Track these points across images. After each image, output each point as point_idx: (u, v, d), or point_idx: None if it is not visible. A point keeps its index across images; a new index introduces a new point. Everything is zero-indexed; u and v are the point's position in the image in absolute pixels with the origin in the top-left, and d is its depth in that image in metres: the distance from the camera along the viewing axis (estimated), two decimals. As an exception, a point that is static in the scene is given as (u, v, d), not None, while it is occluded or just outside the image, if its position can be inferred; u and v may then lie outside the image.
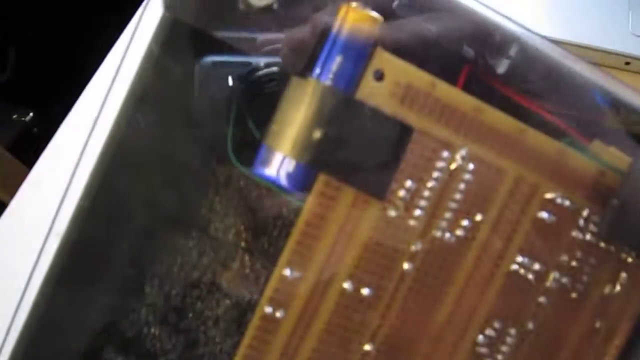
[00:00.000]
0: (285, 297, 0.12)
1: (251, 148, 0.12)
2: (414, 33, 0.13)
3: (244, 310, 0.14)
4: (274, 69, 0.13)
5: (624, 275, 0.13)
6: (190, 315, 0.14)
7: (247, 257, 0.14)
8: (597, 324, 0.13)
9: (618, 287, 0.13)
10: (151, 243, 0.14)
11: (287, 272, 0.12)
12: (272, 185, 0.12)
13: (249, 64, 0.12)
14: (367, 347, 0.13)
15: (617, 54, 0.33)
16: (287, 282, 0.12)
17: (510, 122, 0.12)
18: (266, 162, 0.12)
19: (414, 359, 0.13)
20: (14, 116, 0.45)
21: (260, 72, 0.12)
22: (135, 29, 0.11)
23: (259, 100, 0.13)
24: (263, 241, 0.14)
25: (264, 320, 0.12)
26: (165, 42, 0.11)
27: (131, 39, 0.11)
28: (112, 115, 0.12)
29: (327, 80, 0.12)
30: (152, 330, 0.14)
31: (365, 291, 0.12)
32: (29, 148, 0.23)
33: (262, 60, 0.13)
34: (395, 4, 0.13)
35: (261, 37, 0.12)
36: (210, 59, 0.12)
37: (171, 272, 0.14)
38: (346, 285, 0.12)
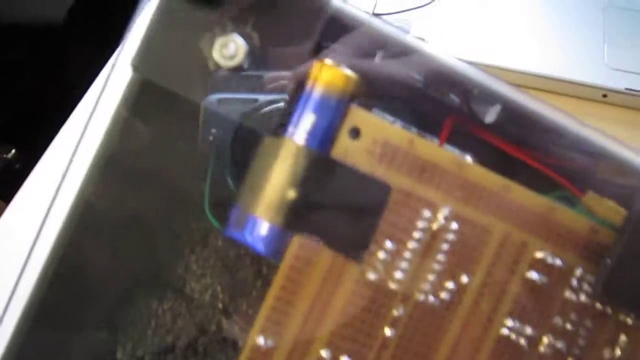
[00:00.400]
0: (259, 367, 0.11)
1: (229, 204, 0.12)
2: (395, 75, 0.12)
3: None
4: (281, 104, 0.12)
5: (623, 338, 0.12)
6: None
7: (224, 320, 0.13)
8: (598, 391, 0.13)
9: (618, 351, 0.13)
10: (124, 305, 0.13)
11: (260, 340, 0.11)
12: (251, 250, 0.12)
13: (256, 100, 0.12)
14: (349, 419, 0.12)
15: (594, 87, 0.33)
16: (260, 352, 0.11)
17: (494, 178, 0.12)
18: (239, 224, 0.12)
19: None
20: None
21: (267, 109, 0.12)
22: (103, 88, 0.11)
23: (241, 154, 0.13)
24: (241, 302, 0.13)
25: (238, 394, 0.11)
26: (133, 104, 0.11)
27: (98, 98, 0.11)
28: (79, 176, 0.11)
29: (301, 140, 0.11)
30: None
31: (344, 359, 0.12)
32: (12, 184, 0.23)
33: (268, 97, 0.12)
34: (377, 58, 0.13)
35: (267, 74, 0.12)
36: (216, 96, 0.12)
37: (144, 335, 0.13)
38: (324, 353, 0.11)
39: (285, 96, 0.12)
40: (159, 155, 0.12)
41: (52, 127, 0.23)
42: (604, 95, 0.33)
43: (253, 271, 0.13)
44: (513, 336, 0.12)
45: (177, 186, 0.13)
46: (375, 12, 0.38)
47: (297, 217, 0.11)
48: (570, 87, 0.33)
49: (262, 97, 0.12)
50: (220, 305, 0.13)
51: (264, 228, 0.11)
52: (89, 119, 0.11)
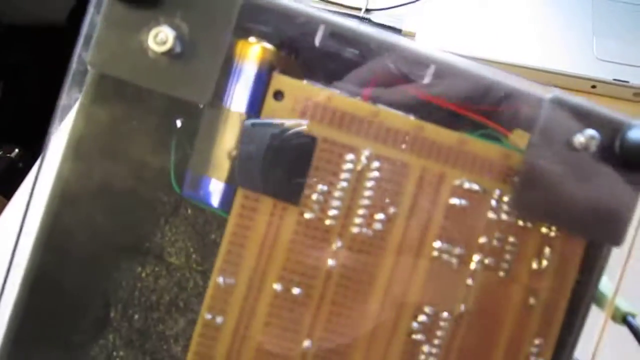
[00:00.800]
0: (222, 303, 0.13)
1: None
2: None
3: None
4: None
5: (547, 249, 0.14)
6: (153, 335, 0.15)
7: (199, 277, 0.15)
8: (531, 301, 0.14)
9: (545, 262, 0.14)
10: (112, 273, 0.15)
11: (220, 279, 0.13)
12: (205, 205, 0.14)
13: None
14: (306, 343, 0.13)
15: (583, 78, 0.34)
16: (221, 289, 0.13)
17: (406, 121, 0.14)
18: (193, 185, 0.14)
19: (352, 351, 0.13)
20: (0, 152, 0.45)
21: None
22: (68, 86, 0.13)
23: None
24: (212, 261, 0.15)
25: (205, 327, 0.13)
26: (95, 97, 0.13)
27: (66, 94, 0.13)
28: (58, 155, 0.14)
29: (235, 107, 0.13)
30: (120, 353, 0.15)
31: (295, 291, 0.13)
32: (15, 183, 0.25)
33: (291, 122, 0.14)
34: (317, 40, 0.14)
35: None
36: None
37: (132, 296, 0.15)
38: (276, 286, 0.13)
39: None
40: (125, 136, 0.14)
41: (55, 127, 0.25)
42: (593, 87, 0.34)
43: (220, 234, 0.15)
44: (444, 257, 0.14)
45: (147, 164, 0.15)
46: (368, 7, 0.40)
47: (239, 172, 0.13)
48: (559, 79, 0.34)
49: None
50: (194, 265, 0.15)
51: (213, 185, 0.13)
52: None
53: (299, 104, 0.13)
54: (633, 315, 0.14)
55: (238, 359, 0.13)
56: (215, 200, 0.13)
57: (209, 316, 0.13)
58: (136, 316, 0.15)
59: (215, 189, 0.13)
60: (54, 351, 0.15)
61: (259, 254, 0.13)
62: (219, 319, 0.13)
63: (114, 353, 0.15)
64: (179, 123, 0.14)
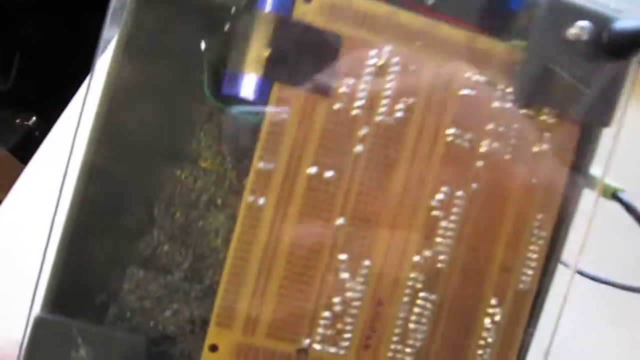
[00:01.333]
0: (263, 186, 0.15)
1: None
2: None
3: (224, 216, 0.17)
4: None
5: (547, 134, 0.16)
6: (195, 231, 0.17)
7: (234, 176, 0.17)
8: (534, 180, 0.16)
9: (545, 146, 0.16)
10: (155, 178, 0.17)
11: (260, 164, 0.15)
12: (240, 106, 0.15)
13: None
14: (340, 220, 0.15)
15: None
16: (262, 173, 0.15)
17: (421, 20, 0.15)
18: (232, 83, 0.15)
19: (379, 226, 0.15)
20: (17, 120, 0.47)
21: None
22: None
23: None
24: (246, 162, 0.17)
25: (249, 209, 0.15)
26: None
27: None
28: (105, 69, 0.15)
29: (269, 9, 0.15)
30: (165, 247, 0.16)
31: (328, 174, 0.15)
32: (32, 151, 0.26)
33: None
34: None
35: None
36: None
37: (174, 195, 0.17)
38: (312, 170, 0.15)
39: None
40: (166, 41, 0.15)
41: (71, 95, 0.26)
42: None
43: (249, 135, 0.16)
44: (457, 141, 0.15)
45: (184, 70, 0.16)
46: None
47: (274, 67, 0.15)
48: None
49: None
50: (229, 166, 0.17)
51: (251, 80, 0.15)
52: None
53: (325, 6, 0.15)
54: (621, 191, 0.16)
55: (279, 237, 0.15)
56: (253, 95, 0.15)
57: (251, 198, 0.15)
58: (177, 214, 0.17)
59: (254, 84, 0.15)
60: (107, 242, 0.16)
61: (295, 141, 0.15)
62: (260, 200, 0.15)
63: (159, 248, 0.16)
64: (214, 29, 0.16)
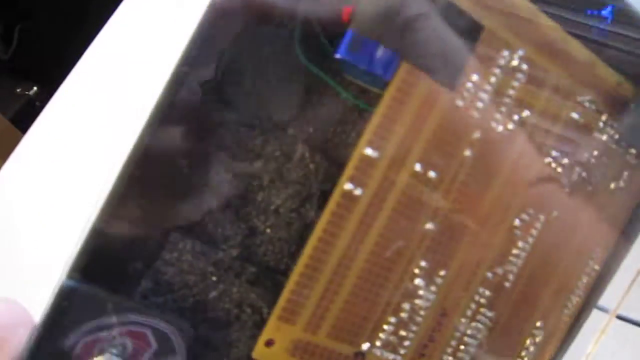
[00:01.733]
0: (365, 175, 0.13)
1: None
2: None
3: (302, 201, 0.15)
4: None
5: (626, 173, 0.16)
6: (251, 203, 0.14)
7: (307, 150, 0.15)
8: (604, 214, 0.16)
9: (621, 183, 0.16)
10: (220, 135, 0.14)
11: (368, 150, 0.13)
12: (349, 70, 0.13)
13: None
14: (429, 225, 0.14)
15: None
16: (366, 161, 0.13)
17: (559, 30, 0.14)
18: (353, 46, 0.13)
19: (464, 236, 0.14)
20: (18, 90, 0.46)
21: None
22: None
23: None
24: (325, 136, 0.14)
25: (344, 197, 0.13)
26: None
27: None
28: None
29: (416, -27, 0.12)
30: (215, 216, 0.14)
31: (431, 174, 0.14)
32: (32, 120, 0.24)
33: None
34: None
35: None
36: None
37: (233, 160, 0.14)
38: (417, 167, 0.13)
39: None
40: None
41: (72, 66, 0.23)
42: None
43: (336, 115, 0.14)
44: (553, 164, 0.15)
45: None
46: None
47: (409, 43, 0.13)
48: None
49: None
50: (303, 137, 0.15)
51: (379, 51, 0.13)
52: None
53: (475, -12, 0.13)
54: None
55: (368, 230, 0.13)
56: (378, 66, 0.13)
57: (349, 186, 0.13)
58: (236, 180, 0.14)
59: (379, 56, 0.13)
60: (150, 203, 0.13)
61: (408, 132, 0.13)
62: (358, 190, 0.13)
63: (208, 216, 0.14)
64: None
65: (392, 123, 0.13)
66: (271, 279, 0.14)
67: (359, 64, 0.13)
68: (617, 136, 0.15)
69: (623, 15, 0.15)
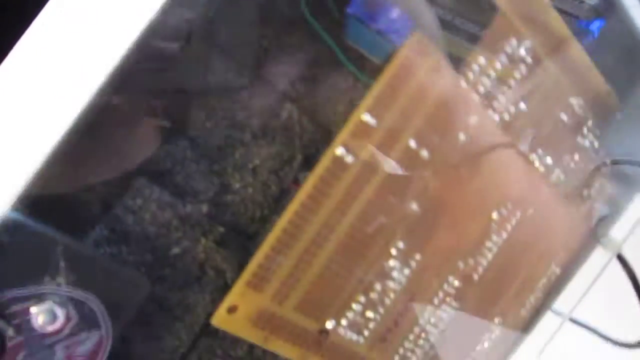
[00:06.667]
0: (358, 142, 0.12)
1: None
2: None
3: (283, 163, 0.14)
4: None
5: (598, 183, 0.16)
6: (229, 158, 0.13)
7: (295, 110, 0.14)
8: (573, 219, 0.16)
9: (592, 192, 0.16)
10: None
11: (366, 117, 0.12)
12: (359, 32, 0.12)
13: None
14: (413, 206, 0.13)
15: None
16: (363, 127, 0.12)
17: (564, 27, 0.14)
18: (370, 5, 0.12)
19: (444, 222, 0.14)
20: None
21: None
22: None
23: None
24: (313, 93, 0.14)
25: (334, 162, 0.12)
26: None
27: None
28: None
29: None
30: (188, 165, 0.13)
31: (424, 153, 0.13)
32: None
33: None
34: None
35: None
36: None
37: (216, 109, 0.13)
38: (411, 143, 0.13)
39: None
40: None
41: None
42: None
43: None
44: (537, 162, 0.15)
45: None
46: None
47: (425, 16, 0.12)
48: None
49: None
50: (293, 94, 0.14)
51: (395, 12, 0.12)
52: None
53: (497, -34, 0.13)
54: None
55: (355, 198, 0.13)
56: (388, 28, 0.12)
57: (341, 151, 0.12)
58: (216, 129, 0.13)
59: (394, 17, 0.12)
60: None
61: (410, 102, 0.12)
62: (349, 157, 0.12)
63: (180, 165, 0.13)
64: None
65: (394, 93, 0.12)
66: (239, 242, 0.13)
67: (371, 23, 0.12)
68: (597, 144, 0.16)
69: (610, 32, 0.16)
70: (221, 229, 0.13)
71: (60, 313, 0.10)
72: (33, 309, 0.10)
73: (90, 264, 0.11)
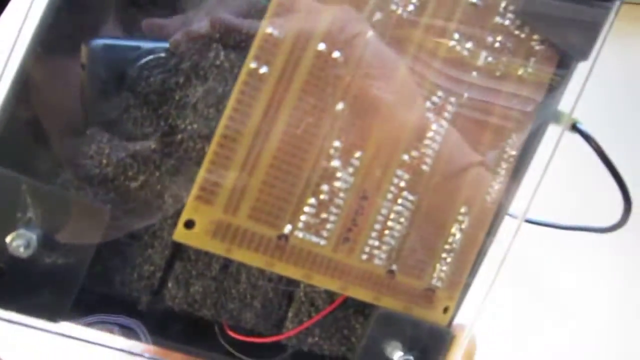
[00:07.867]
0: (269, 54, 0.14)
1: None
2: None
3: (221, 97, 0.15)
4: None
5: (533, 60, 0.17)
6: (170, 101, 0.15)
7: (221, 50, 0.15)
8: (515, 101, 0.17)
9: (529, 69, 0.17)
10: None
11: (270, 29, 0.13)
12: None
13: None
14: (339, 105, 0.14)
15: None
16: (270, 40, 0.14)
17: None
18: None
19: (376, 118, 0.15)
20: None
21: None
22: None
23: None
24: (236, 37, 0.15)
25: (250, 76, 0.14)
26: None
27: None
28: None
29: None
30: (135, 112, 0.14)
31: (336, 54, 0.14)
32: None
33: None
34: None
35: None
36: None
37: (149, 61, 0.14)
38: (321, 46, 0.14)
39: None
40: None
41: None
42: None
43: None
44: (458, 47, 0.16)
45: None
46: None
47: None
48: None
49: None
50: (217, 36, 0.15)
51: None
52: None
53: None
54: (580, 123, 0.18)
55: (277, 112, 0.14)
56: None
57: (254, 64, 0.13)
58: (155, 78, 0.15)
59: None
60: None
61: (308, 12, 0.14)
62: (263, 69, 0.14)
63: (128, 112, 0.14)
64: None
65: (293, 3, 0.14)
66: (195, 172, 0.15)
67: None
68: (519, 22, 0.16)
69: None
70: (173, 161, 0.14)
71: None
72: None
73: (56, 201, 0.13)
